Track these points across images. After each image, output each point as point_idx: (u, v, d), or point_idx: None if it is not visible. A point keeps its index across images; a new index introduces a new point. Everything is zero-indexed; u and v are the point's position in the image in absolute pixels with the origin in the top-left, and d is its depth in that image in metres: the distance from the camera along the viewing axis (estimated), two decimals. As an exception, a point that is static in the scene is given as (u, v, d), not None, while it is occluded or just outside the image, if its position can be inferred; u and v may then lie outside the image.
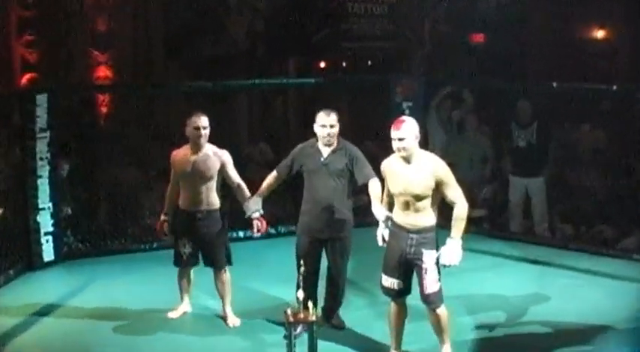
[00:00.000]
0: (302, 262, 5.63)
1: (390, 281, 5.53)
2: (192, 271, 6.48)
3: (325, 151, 5.99)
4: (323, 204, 5.98)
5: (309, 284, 5.85)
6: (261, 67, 11.41)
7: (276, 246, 7.99)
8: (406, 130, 5.31)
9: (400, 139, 5.30)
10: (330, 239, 6.06)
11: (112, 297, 7.06)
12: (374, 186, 5.87)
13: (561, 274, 7.72)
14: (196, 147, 6.10)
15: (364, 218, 9.07)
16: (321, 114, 5.98)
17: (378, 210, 5.61)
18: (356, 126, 10.94)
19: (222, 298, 6.42)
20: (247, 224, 6.33)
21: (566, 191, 9.00)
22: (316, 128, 6.01)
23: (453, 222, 5.32)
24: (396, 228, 5.50)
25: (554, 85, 8.58)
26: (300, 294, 5.37)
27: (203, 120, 6.08)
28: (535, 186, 8.84)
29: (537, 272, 7.81)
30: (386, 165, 5.55)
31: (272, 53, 11.69)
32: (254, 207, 6.09)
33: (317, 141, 6.05)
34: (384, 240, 5.62)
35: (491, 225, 9.24)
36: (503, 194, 9.15)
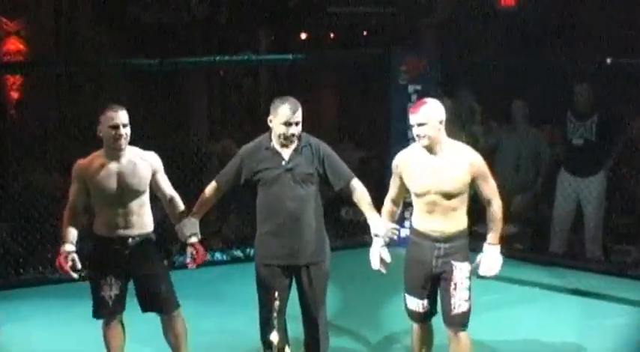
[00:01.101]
0: (276, 295, 5.59)
1: (415, 303, 5.74)
2: (122, 320, 6.14)
3: (286, 152, 5.91)
4: (291, 219, 5.88)
5: (281, 324, 5.79)
6: (224, 39, 11.39)
7: (242, 274, 7.92)
8: (427, 114, 5.48)
9: (420, 125, 5.47)
10: (304, 266, 5.97)
11: (27, 345, 6.95)
12: (358, 188, 5.89)
13: (618, 310, 7.70)
14: (116, 153, 5.94)
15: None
16: (284, 107, 5.80)
17: (376, 221, 5.71)
18: (347, 118, 10.93)
19: (176, 350, 6.23)
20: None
21: (624, 201, 9.01)
22: (275, 125, 5.86)
23: (490, 225, 5.62)
24: (418, 237, 5.66)
25: (609, 61, 8.58)
26: (275, 337, 5.32)
27: (122, 116, 5.90)
28: (590, 191, 8.86)
29: (587, 307, 7.80)
30: (403, 159, 5.69)
31: (237, 21, 11.67)
32: (189, 231, 6.01)
33: (270, 139, 5.97)
34: (382, 261, 5.72)
35: (525, 245, 9.27)
36: (544, 204, 9.17)
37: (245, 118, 11.35)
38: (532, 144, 9.51)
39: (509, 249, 8.73)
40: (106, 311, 6.03)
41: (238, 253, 8.84)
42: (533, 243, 9.28)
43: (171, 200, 6.10)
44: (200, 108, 11.37)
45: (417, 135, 5.49)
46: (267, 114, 5.90)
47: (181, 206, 6.10)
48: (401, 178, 5.69)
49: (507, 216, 8.85)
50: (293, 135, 5.84)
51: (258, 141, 6.00)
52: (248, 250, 8.91)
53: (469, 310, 5.62)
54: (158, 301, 6.06)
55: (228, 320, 7.39)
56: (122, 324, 6.14)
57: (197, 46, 11.06)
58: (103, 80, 9.97)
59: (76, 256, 5.96)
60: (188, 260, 6.05)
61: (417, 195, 5.61)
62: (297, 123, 5.81)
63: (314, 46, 12.21)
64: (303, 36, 12.42)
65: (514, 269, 8.26)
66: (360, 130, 11.07)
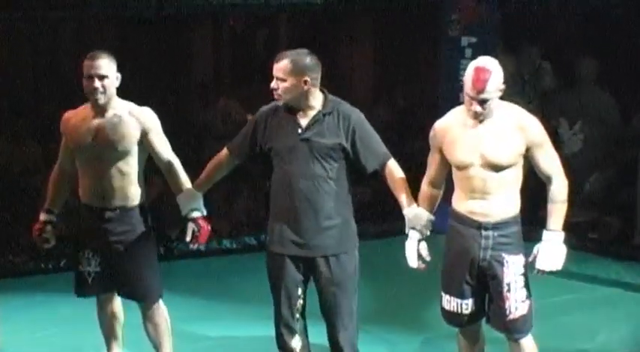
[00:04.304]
0: (299, 293, 5.65)
1: (454, 303, 5.66)
2: (118, 302, 6.34)
3: (304, 118, 5.81)
4: (304, 202, 5.80)
5: (301, 326, 5.82)
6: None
7: (255, 264, 7.90)
8: (493, 88, 5.35)
9: (483, 102, 5.35)
10: (322, 258, 5.86)
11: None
12: (394, 171, 5.80)
13: None
14: (98, 107, 6.04)
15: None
16: None
17: (412, 212, 5.64)
18: (384, 77, 10.87)
19: (157, 348, 6.31)
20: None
21: None
22: None
23: (550, 207, 5.50)
24: (459, 223, 5.59)
25: None
26: (297, 343, 5.31)
27: (99, 65, 5.95)
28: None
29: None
30: (442, 127, 5.60)
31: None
32: (190, 205, 6.02)
33: None
34: (420, 257, 5.66)
35: (602, 235, 9.26)
36: (626, 185, 9.16)
37: (259, 77, 11.27)
38: (599, 109, 9.53)
39: (582, 239, 8.92)
40: (87, 289, 6.21)
41: (251, 240, 8.82)
42: (614, 233, 9.23)
43: (170, 165, 6.14)
44: (204, 63, 11.35)
45: (475, 112, 5.37)
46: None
47: (182, 174, 6.12)
48: (441, 151, 5.61)
49: (581, 200, 8.97)
50: (273, 90, 5.74)
51: (276, 103, 5.91)
52: (263, 237, 8.88)
53: (530, 311, 5.55)
54: (135, 288, 6.16)
55: (239, 320, 7.44)
56: (118, 307, 6.33)
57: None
58: (85, 26, 9.92)
59: (50, 227, 6.20)
60: (188, 237, 6.01)
61: (459, 168, 5.53)
62: (277, 78, 5.71)
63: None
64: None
65: (589, 265, 8.46)
66: (401, 92, 11.04)
